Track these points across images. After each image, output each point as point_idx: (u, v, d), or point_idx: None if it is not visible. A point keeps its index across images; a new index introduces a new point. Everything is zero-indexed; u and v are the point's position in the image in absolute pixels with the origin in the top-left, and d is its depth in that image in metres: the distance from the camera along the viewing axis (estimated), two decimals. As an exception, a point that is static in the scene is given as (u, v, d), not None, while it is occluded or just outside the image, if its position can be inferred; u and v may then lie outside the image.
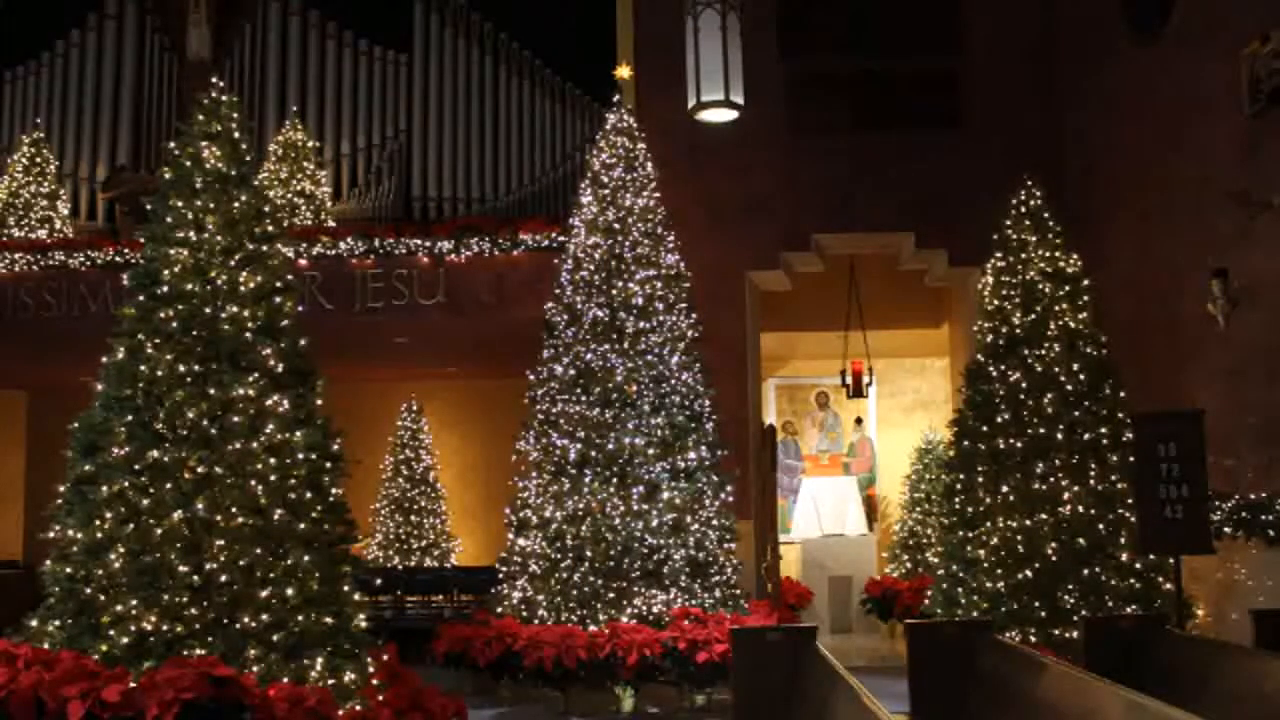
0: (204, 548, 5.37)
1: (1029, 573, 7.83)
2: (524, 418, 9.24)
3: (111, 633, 5.22)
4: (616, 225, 9.29)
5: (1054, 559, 7.83)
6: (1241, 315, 8.26)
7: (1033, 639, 7.62)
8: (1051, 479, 8.04)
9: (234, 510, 5.44)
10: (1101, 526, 7.93)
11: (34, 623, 5.46)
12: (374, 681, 5.59)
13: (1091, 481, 8.04)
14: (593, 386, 8.89)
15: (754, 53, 10.31)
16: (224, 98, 6.18)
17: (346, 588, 5.73)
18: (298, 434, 5.69)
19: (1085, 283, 8.55)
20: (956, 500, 8.41)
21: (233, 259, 5.88)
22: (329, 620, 5.53)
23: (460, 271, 11.64)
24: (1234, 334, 8.35)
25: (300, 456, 5.67)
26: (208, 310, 5.74)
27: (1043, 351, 8.32)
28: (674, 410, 8.94)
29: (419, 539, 13.96)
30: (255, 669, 5.23)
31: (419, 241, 11.74)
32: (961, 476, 8.42)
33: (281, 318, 5.93)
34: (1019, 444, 8.15)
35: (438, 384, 15.31)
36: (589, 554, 8.50)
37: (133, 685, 4.91)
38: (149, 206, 6.10)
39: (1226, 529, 7.99)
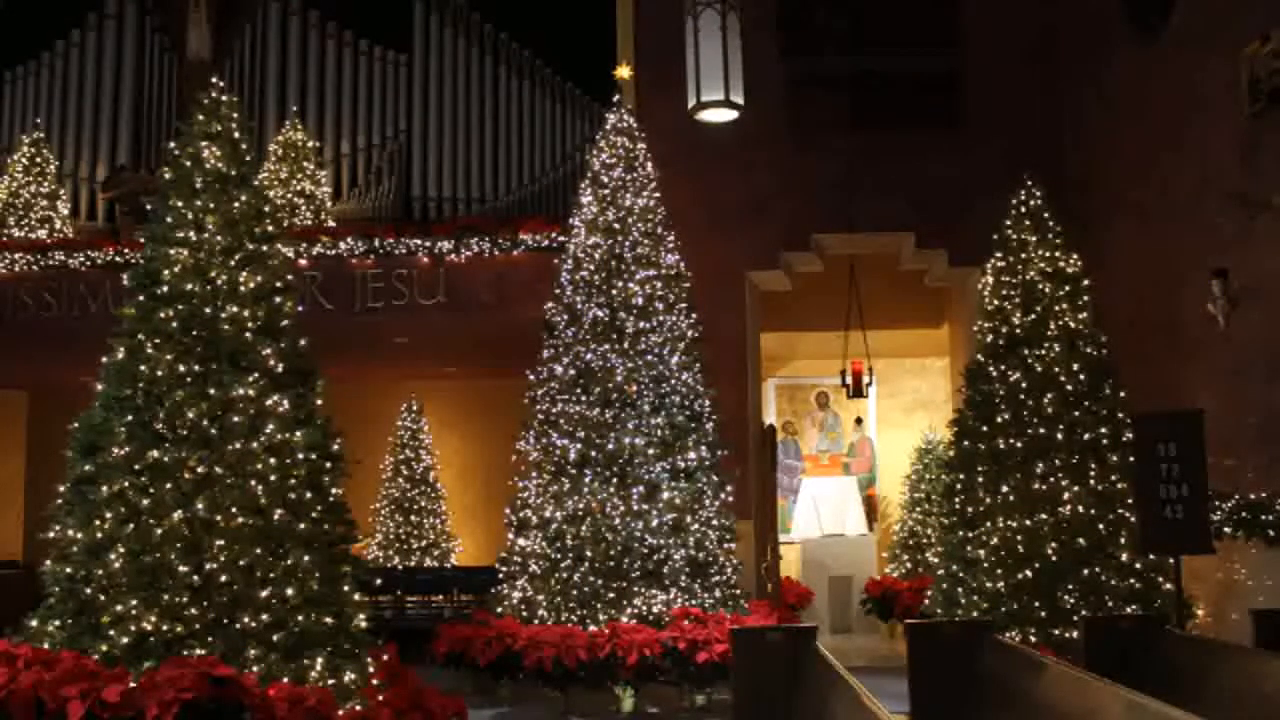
0: (204, 548, 5.37)
1: (1029, 573, 7.83)
2: (524, 418, 9.25)
3: (111, 633, 5.22)
4: (616, 225, 9.28)
5: (1054, 559, 7.82)
6: (1241, 315, 8.26)
7: (1033, 639, 7.61)
8: (1051, 479, 8.04)
9: (234, 510, 5.44)
10: (1101, 526, 7.93)
11: (34, 623, 5.46)
12: (374, 681, 5.59)
13: (1091, 481, 8.04)
14: (593, 386, 8.89)
15: (754, 53, 10.31)
16: (224, 98, 6.18)
17: (346, 588, 5.73)
18: (298, 434, 5.69)
19: (1085, 283, 8.54)
20: (956, 500, 8.41)
21: (233, 259, 5.88)
22: (329, 620, 5.53)
23: (460, 271, 11.64)
24: (1234, 334, 8.34)
25: (300, 456, 5.67)
26: (208, 310, 5.74)
27: (1043, 351, 8.31)
28: (674, 410, 8.93)
29: (419, 539, 13.96)
30: (255, 669, 5.23)
31: (419, 241, 11.74)
32: (961, 476, 8.42)
33: (281, 318, 5.93)
34: (1019, 444, 8.14)
35: (438, 384, 15.30)
36: (589, 554, 8.50)
37: (133, 685, 4.91)
38: (149, 206, 6.11)
39: (1226, 529, 7.99)
